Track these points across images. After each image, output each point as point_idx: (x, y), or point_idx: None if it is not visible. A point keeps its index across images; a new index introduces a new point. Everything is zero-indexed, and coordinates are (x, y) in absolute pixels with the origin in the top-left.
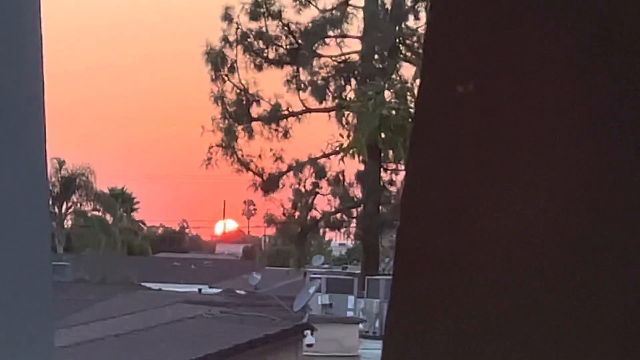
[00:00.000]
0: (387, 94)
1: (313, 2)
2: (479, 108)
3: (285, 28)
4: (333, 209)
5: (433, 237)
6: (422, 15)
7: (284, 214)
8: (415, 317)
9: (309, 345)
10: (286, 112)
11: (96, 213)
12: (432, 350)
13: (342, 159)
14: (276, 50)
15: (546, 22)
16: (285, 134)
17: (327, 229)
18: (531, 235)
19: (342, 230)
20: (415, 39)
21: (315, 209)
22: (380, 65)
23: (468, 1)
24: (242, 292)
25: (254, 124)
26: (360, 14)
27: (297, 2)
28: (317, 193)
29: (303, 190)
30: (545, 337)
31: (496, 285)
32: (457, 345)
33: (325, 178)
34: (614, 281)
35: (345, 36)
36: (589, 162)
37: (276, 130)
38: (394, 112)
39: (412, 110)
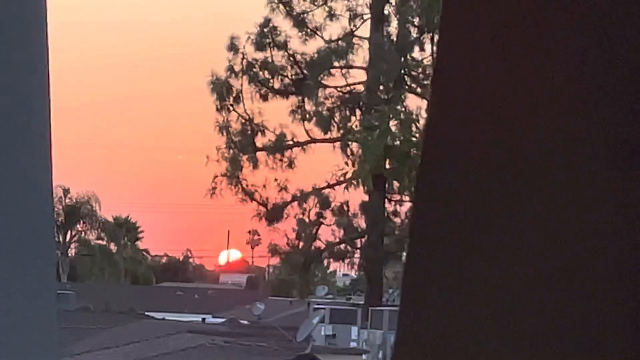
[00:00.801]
0: (392, 124)
1: (319, 33)
2: (488, 134)
3: (291, 58)
4: (337, 240)
5: (442, 263)
6: (427, 46)
7: (288, 244)
8: (422, 347)
9: None
10: (291, 142)
11: (100, 242)
12: None
13: (346, 187)
14: (281, 80)
15: (555, 49)
16: (290, 164)
17: (331, 260)
18: (545, 259)
19: (346, 260)
20: (420, 70)
21: (319, 239)
22: (386, 96)
23: (476, 35)
24: (246, 322)
25: (258, 153)
26: (366, 44)
27: (303, 32)
28: (321, 223)
29: (307, 220)
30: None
31: (508, 314)
32: None
33: (330, 208)
34: (631, 285)
35: (350, 67)
36: (596, 174)
37: (281, 160)
38: (398, 142)
39: (416, 140)
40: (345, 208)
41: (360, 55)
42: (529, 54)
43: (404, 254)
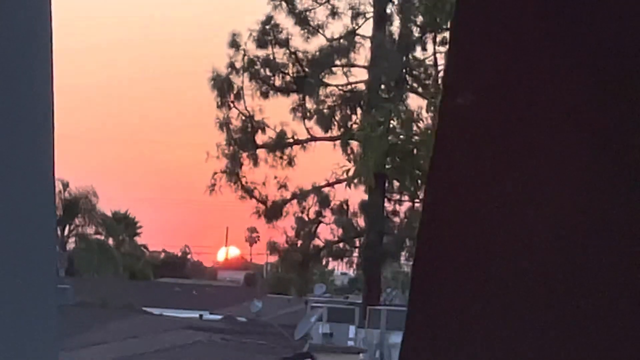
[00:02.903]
0: (393, 123)
1: (321, 31)
2: (496, 133)
3: (293, 56)
4: (336, 238)
5: (450, 260)
6: (430, 46)
7: (286, 242)
8: (431, 344)
9: None
10: (291, 140)
11: (99, 236)
12: None
13: (348, 185)
14: (283, 77)
15: (562, 56)
16: (290, 162)
17: (329, 258)
18: (553, 257)
19: (345, 259)
20: (422, 69)
21: (318, 237)
22: (387, 95)
23: (486, 45)
24: (243, 319)
25: (258, 151)
26: (368, 43)
27: (305, 30)
28: (321, 222)
29: (306, 218)
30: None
31: (516, 313)
32: None
33: (329, 207)
34: (630, 283)
35: (352, 65)
36: (595, 173)
37: (281, 158)
38: (399, 141)
39: (418, 139)
40: (345, 207)
41: (362, 54)
42: (536, 58)
43: (403, 253)
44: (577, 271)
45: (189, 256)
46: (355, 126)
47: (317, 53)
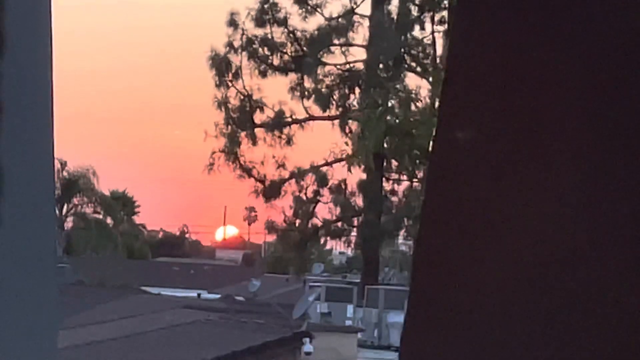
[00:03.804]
0: (392, 103)
1: (319, 10)
2: (498, 129)
3: (291, 35)
4: (334, 218)
5: (452, 249)
6: (428, 25)
7: (285, 221)
8: (432, 330)
9: (307, 354)
10: (289, 120)
11: (97, 216)
12: None
13: (349, 168)
14: (281, 57)
15: (563, 53)
16: (288, 141)
17: (327, 238)
18: (552, 256)
19: (343, 239)
20: (420, 49)
21: (316, 217)
22: (385, 75)
23: (486, 39)
24: (241, 299)
25: (257, 130)
26: (366, 22)
27: (303, 9)
28: (319, 201)
29: (304, 198)
30: (566, 353)
31: (517, 299)
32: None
33: (327, 186)
34: (628, 287)
35: (350, 45)
36: (595, 173)
37: (279, 137)
38: (397, 121)
39: (416, 119)
40: (343, 186)
41: (361, 34)
42: (536, 54)
43: (401, 232)
44: (580, 261)
45: (187, 235)
46: (353, 106)
47: (316, 32)
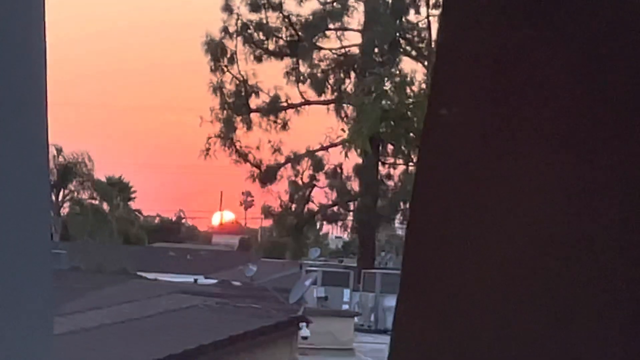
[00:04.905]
0: (387, 87)
1: None
2: (488, 114)
3: (286, 20)
4: (330, 202)
5: (442, 234)
6: (423, 9)
7: (281, 206)
8: (423, 314)
9: (304, 338)
10: (285, 104)
11: (93, 201)
12: (440, 350)
13: (346, 153)
14: (276, 42)
15: (551, 38)
16: (284, 126)
17: (324, 222)
18: (539, 238)
19: (339, 223)
20: (415, 33)
21: (313, 201)
22: (380, 59)
23: (477, 29)
24: (238, 284)
25: (252, 115)
26: (361, 7)
27: None
28: (315, 186)
29: (300, 182)
30: (552, 337)
31: (506, 288)
32: (465, 346)
33: (323, 171)
34: (621, 282)
35: (345, 29)
36: (590, 167)
37: (275, 122)
38: (393, 105)
39: (412, 101)
40: (339, 171)
41: (356, 18)
42: (524, 36)
43: (397, 217)
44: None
45: (183, 221)
46: (349, 90)
47: (311, 17)
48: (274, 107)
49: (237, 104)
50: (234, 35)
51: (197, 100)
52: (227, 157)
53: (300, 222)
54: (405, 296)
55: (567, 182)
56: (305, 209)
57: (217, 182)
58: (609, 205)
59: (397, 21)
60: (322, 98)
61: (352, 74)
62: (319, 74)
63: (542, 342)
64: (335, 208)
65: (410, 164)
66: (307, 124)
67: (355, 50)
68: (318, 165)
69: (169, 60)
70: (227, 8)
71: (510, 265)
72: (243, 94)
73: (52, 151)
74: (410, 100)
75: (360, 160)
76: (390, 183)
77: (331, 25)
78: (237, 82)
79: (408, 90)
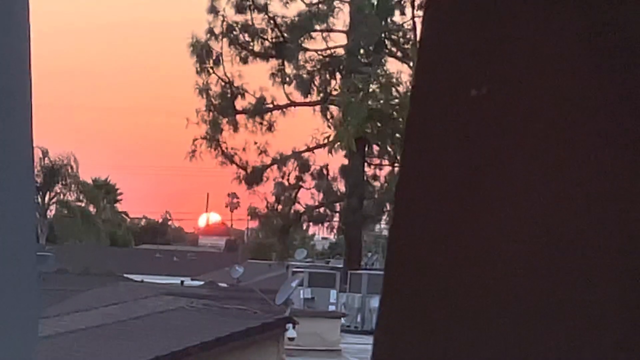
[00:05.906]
0: (373, 87)
1: None
2: (477, 110)
3: (271, 21)
4: (316, 203)
5: (426, 234)
6: (408, 10)
7: (267, 207)
8: (406, 315)
9: (291, 339)
10: (271, 106)
11: (79, 203)
12: (423, 351)
13: (330, 151)
14: (262, 43)
15: (548, 20)
16: (270, 128)
17: (310, 223)
18: (528, 235)
19: (325, 224)
20: (400, 34)
21: (299, 202)
22: (366, 60)
23: (461, 20)
24: (225, 285)
25: (238, 116)
26: (347, 8)
27: None
28: (301, 187)
29: (287, 183)
30: (540, 337)
31: (490, 288)
32: (448, 344)
33: (309, 172)
34: (613, 283)
35: (331, 30)
36: (589, 164)
37: (261, 123)
38: (379, 105)
39: (398, 102)
40: (325, 172)
41: (341, 19)
42: (514, 32)
43: (383, 217)
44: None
45: (169, 222)
46: (334, 91)
47: (296, 18)
48: (259, 109)
49: (223, 106)
50: (220, 37)
51: (183, 102)
52: (213, 158)
53: (287, 223)
54: (388, 297)
55: (557, 179)
56: (292, 210)
57: (204, 184)
58: (604, 202)
59: (383, 22)
60: (308, 99)
61: (338, 75)
62: (304, 75)
63: (528, 343)
64: (321, 209)
65: (396, 164)
66: (293, 126)
67: (341, 51)
68: (304, 166)
69: (155, 62)
70: (213, 10)
71: (495, 265)
72: (229, 95)
73: (38, 153)
74: (397, 100)
75: (346, 161)
76: (377, 184)
77: (317, 27)
78: (223, 83)
79: (394, 91)
